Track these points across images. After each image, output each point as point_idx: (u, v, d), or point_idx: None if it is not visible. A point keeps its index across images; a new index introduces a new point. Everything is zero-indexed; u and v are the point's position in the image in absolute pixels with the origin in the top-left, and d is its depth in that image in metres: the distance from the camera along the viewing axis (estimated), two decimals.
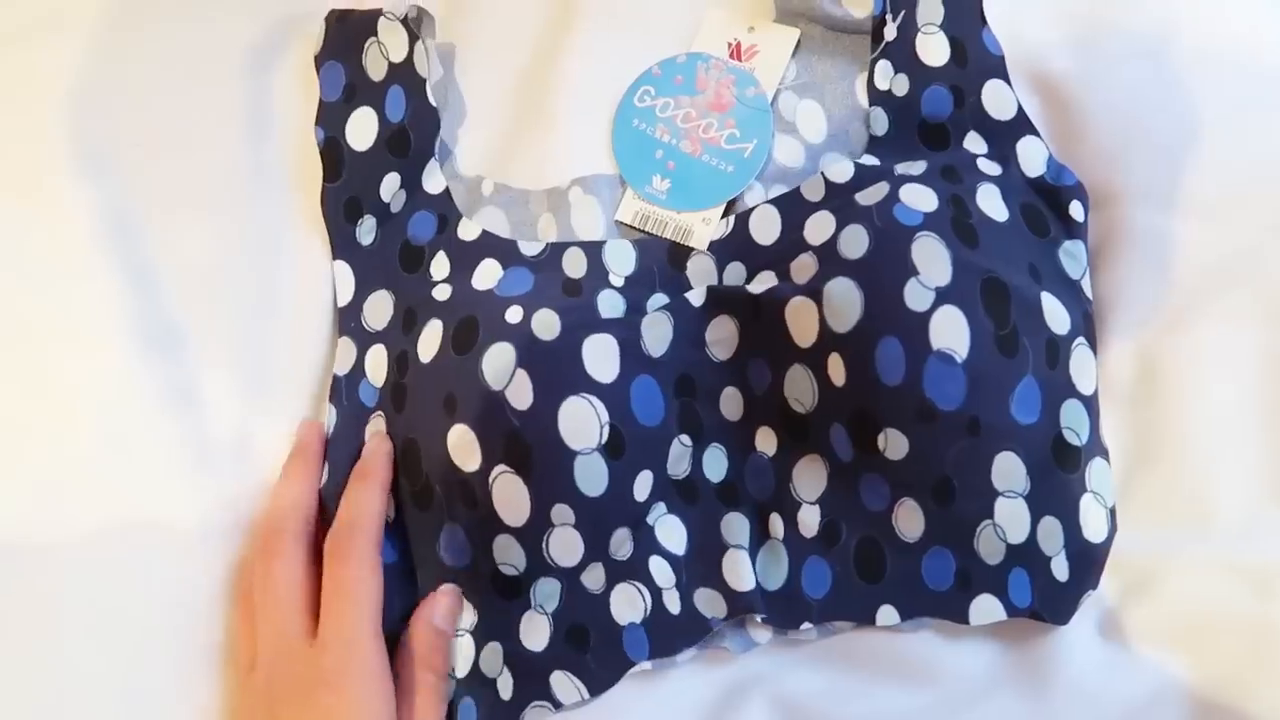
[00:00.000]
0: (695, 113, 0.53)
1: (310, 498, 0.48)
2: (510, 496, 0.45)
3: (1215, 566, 0.45)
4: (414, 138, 0.53)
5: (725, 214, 0.51)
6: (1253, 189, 0.48)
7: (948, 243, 0.44)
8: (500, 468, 0.44)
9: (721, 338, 0.47)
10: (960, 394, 0.42)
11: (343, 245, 0.52)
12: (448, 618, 0.47)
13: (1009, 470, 0.44)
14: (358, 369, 0.51)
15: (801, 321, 0.45)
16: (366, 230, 0.52)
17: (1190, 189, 0.49)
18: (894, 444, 0.44)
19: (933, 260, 0.43)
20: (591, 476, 0.45)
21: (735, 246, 0.50)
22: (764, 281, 0.47)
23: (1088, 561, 0.45)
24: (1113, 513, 0.46)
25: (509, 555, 0.46)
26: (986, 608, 0.45)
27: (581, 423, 0.44)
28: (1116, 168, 0.49)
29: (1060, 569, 0.45)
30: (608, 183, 0.52)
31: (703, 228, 0.51)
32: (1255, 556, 0.45)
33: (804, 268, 0.46)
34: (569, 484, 0.44)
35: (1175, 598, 0.45)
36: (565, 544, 0.45)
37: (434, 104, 0.53)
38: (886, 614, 0.45)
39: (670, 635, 0.46)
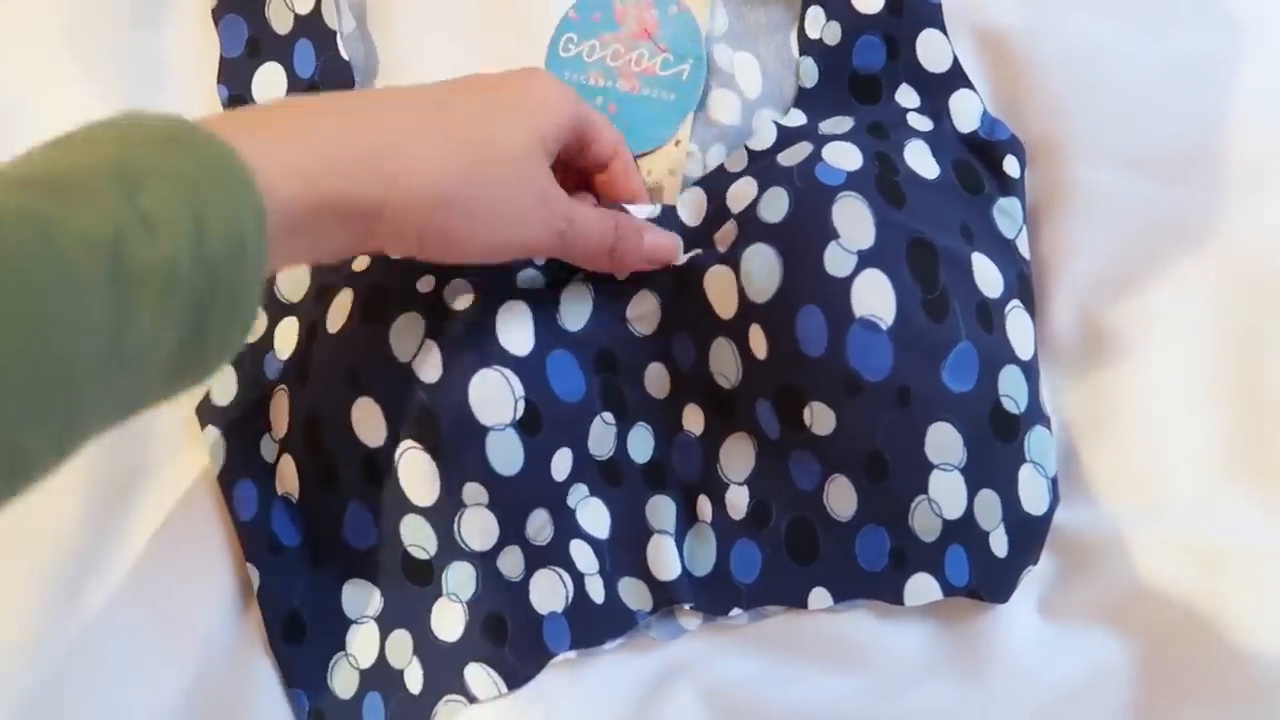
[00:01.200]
0: (623, 48, 0.50)
1: None
2: (419, 474, 0.42)
3: (1162, 543, 0.43)
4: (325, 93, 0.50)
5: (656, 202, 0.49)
6: (1205, 145, 0.46)
7: (871, 202, 0.41)
8: (407, 443, 0.42)
9: (644, 313, 0.45)
10: (887, 363, 0.40)
11: None
12: (658, 248, 0.44)
13: (944, 442, 0.41)
14: (265, 340, 0.48)
15: (721, 292, 0.43)
16: None
17: (1140, 145, 0.46)
18: (821, 418, 0.41)
19: (855, 221, 0.41)
20: (505, 454, 0.42)
21: (664, 225, 0.47)
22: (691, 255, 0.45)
23: (1028, 535, 0.43)
24: (1054, 483, 0.44)
25: (418, 537, 0.44)
26: (922, 588, 0.43)
27: (494, 397, 0.42)
28: (1063, 122, 0.47)
29: (999, 544, 0.43)
30: None
31: (671, 181, 0.49)
32: (1204, 534, 0.43)
33: (725, 236, 0.44)
34: (481, 462, 0.42)
35: (1119, 575, 0.43)
36: (478, 525, 0.43)
37: (346, 58, 0.50)
38: (819, 597, 0.44)
39: (593, 626, 0.44)
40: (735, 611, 0.44)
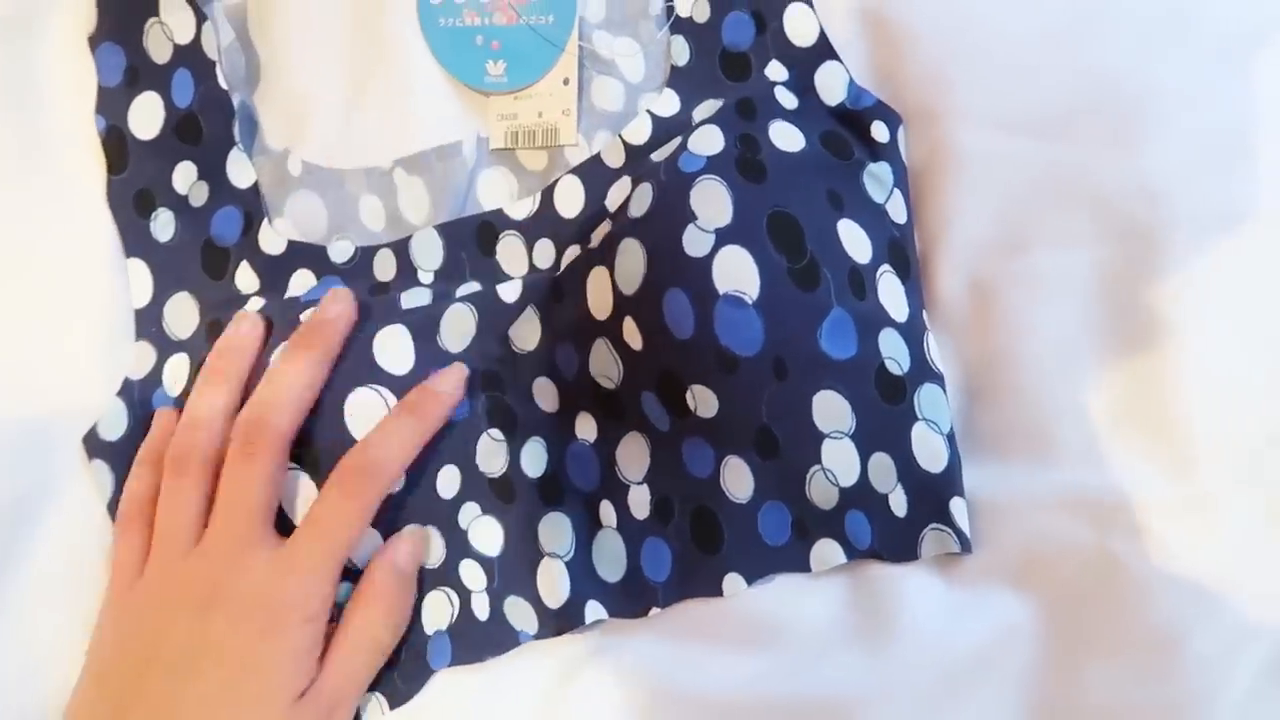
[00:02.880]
0: None
1: (231, 410, 0.44)
2: (301, 497, 0.43)
3: (1054, 501, 0.43)
4: (205, 125, 0.49)
5: (532, 193, 0.49)
6: (1083, 104, 0.45)
7: (730, 183, 0.41)
8: (289, 467, 0.42)
9: (524, 331, 0.45)
10: (758, 337, 0.40)
11: (136, 241, 0.49)
12: (411, 561, 0.43)
13: (831, 409, 0.42)
14: (154, 376, 0.48)
15: (598, 290, 0.43)
16: (163, 225, 0.49)
17: (1018, 106, 0.46)
18: (703, 401, 0.42)
19: (711, 202, 0.41)
20: None
21: (543, 223, 0.47)
22: (570, 257, 0.45)
23: (928, 494, 0.43)
24: (951, 438, 0.44)
25: None
26: (826, 553, 0.43)
27: (370, 414, 0.42)
28: (942, 87, 0.46)
29: (899, 505, 0.43)
30: (434, 156, 0.49)
31: (565, 121, 0.49)
32: (1095, 489, 0.43)
33: (600, 234, 0.44)
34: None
35: (1015, 536, 0.43)
36: (365, 545, 0.43)
37: (225, 87, 0.50)
38: (733, 582, 0.43)
39: (475, 643, 0.44)
40: (654, 611, 0.44)
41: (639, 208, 0.42)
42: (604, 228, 0.44)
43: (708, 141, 0.43)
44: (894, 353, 0.43)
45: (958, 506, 0.43)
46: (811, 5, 0.47)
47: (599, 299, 0.43)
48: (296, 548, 0.41)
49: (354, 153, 0.50)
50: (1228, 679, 0.40)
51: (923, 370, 0.44)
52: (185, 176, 0.49)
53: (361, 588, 0.43)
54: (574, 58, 0.50)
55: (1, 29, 0.51)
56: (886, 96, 0.47)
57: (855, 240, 0.43)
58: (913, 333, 0.44)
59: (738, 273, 0.40)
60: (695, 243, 0.41)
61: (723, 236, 0.41)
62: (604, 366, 0.43)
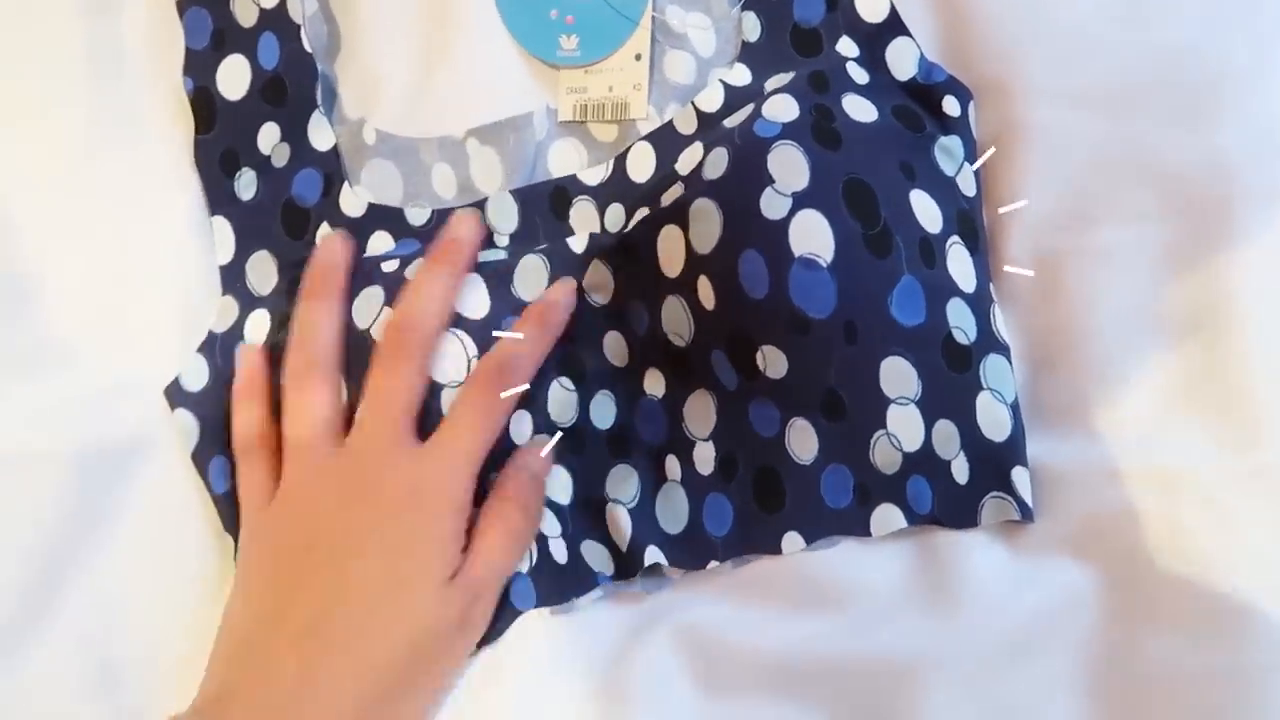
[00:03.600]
0: None
1: (338, 325, 0.45)
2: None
3: (1118, 471, 0.43)
4: (290, 86, 0.51)
5: (606, 160, 0.50)
6: (1153, 80, 0.46)
7: (806, 148, 0.42)
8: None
9: (598, 283, 0.46)
10: (831, 300, 0.41)
11: (220, 200, 0.51)
12: (543, 464, 0.45)
13: (898, 375, 0.42)
14: (235, 330, 0.49)
15: (670, 250, 0.43)
16: (246, 184, 0.51)
17: (1087, 82, 0.46)
18: (773, 362, 0.42)
19: (789, 166, 0.42)
20: None
21: (614, 188, 0.48)
22: (639, 219, 0.46)
23: (990, 462, 0.43)
24: (1015, 408, 0.44)
25: None
26: (887, 518, 0.44)
27: (447, 357, 0.44)
28: (1011, 62, 0.47)
29: (960, 472, 0.43)
30: (506, 126, 0.50)
31: (636, 96, 0.50)
32: (1158, 461, 0.43)
33: (672, 195, 0.44)
34: (437, 418, 0.44)
35: (1079, 505, 0.43)
36: None
37: (309, 50, 0.51)
38: (791, 541, 0.44)
39: (557, 585, 0.45)
40: (712, 564, 0.45)
41: (714, 170, 0.43)
42: (676, 189, 0.45)
43: (783, 109, 0.44)
44: (961, 322, 0.43)
45: (1019, 475, 0.43)
46: None
47: (671, 257, 0.43)
48: (443, 442, 0.43)
49: (426, 123, 0.51)
50: None
51: (989, 341, 0.44)
52: (269, 137, 0.51)
53: (498, 488, 0.44)
54: (647, 32, 0.51)
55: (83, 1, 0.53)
56: (956, 71, 0.47)
57: (926, 210, 0.43)
58: (980, 304, 0.44)
59: (813, 236, 0.41)
60: (773, 205, 0.41)
61: (799, 200, 0.41)
62: (675, 323, 0.44)
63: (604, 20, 0.51)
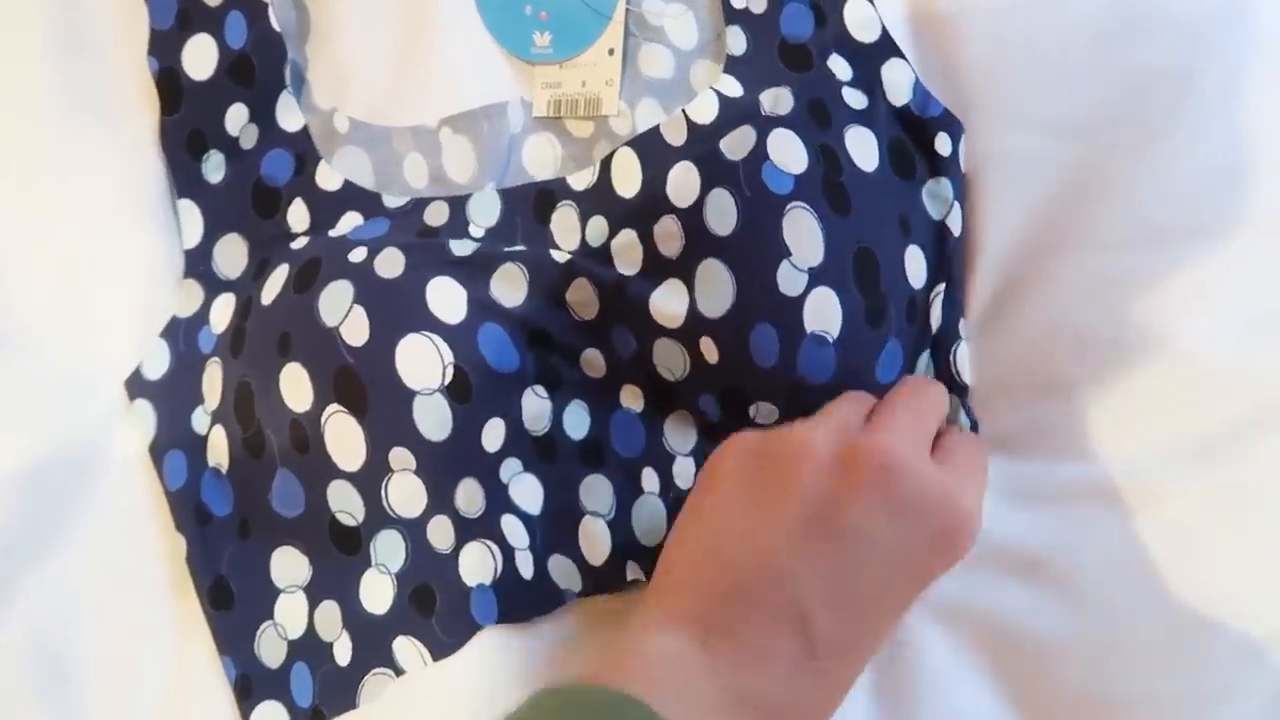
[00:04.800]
0: None
1: None
2: (344, 437, 0.43)
3: (1081, 491, 0.44)
4: (258, 66, 0.50)
5: (576, 159, 0.49)
6: (1121, 106, 0.45)
7: (819, 215, 0.42)
8: (333, 407, 0.43)
9: (582, 300, 0.45)
10: (830, 369, 0.42)
11: (187, 182, 0.50)
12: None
13: None
14: (201, 315, 0.48)
15: (669, 307, 0.43)
16: (214, 166, 0.50)
17: (1061, 107, 0.45)
18: (765, 412, 0.43)
19: (805, 238, 0.41)
20: (433, 419, 0.42)
21: (598, 198, 0.47)
22: (624, 243, 0.44)
23: None
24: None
25: (345, 503, 0.44)
26: None
27: (422, 361, 0.42)
28: (989, 85, 0.46)
29: None
30: (480, 115, 0.49)
31: (609, 91, 0.49)
32: (1121, 480, 0.43)
33: (669, 237, 0.43)
34: (408, 426, 0.42)
35: (1040, 524, 0.44)
36: (406, 491, 0.44)
37: (277, 29, 0.50)
38: None
39: (521, 601, 0.44)
40: None
41: (721, 223, 0.42)
42: (672, 228, 0.43)
43: (790, 154, 0.43)
44: (924, 370, 0.45)
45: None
46: (872, 2, 0.47)
47: (670, 314, 0.43)
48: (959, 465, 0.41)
49: (399, 115, 0.50)
50: (1255, 676, 0.40)
51: (946, 384, 0.45)
52: (237, 118, 0.50)
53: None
54: (620, 26, 0.50)
55: None
56: (934, 91, 0.46)
57: (916, 268, 0.44)
58: (943, 346, 0.45)
59: (825, 314, 0.41)
60: (790, 281, 0.41)
61: (815, 277, 0.41)
62: (669, 361, 0.44)
63: (577, 16, 0.50)
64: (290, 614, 0.46)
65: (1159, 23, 0.45)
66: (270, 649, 0.46)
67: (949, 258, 0.45)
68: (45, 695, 0.45)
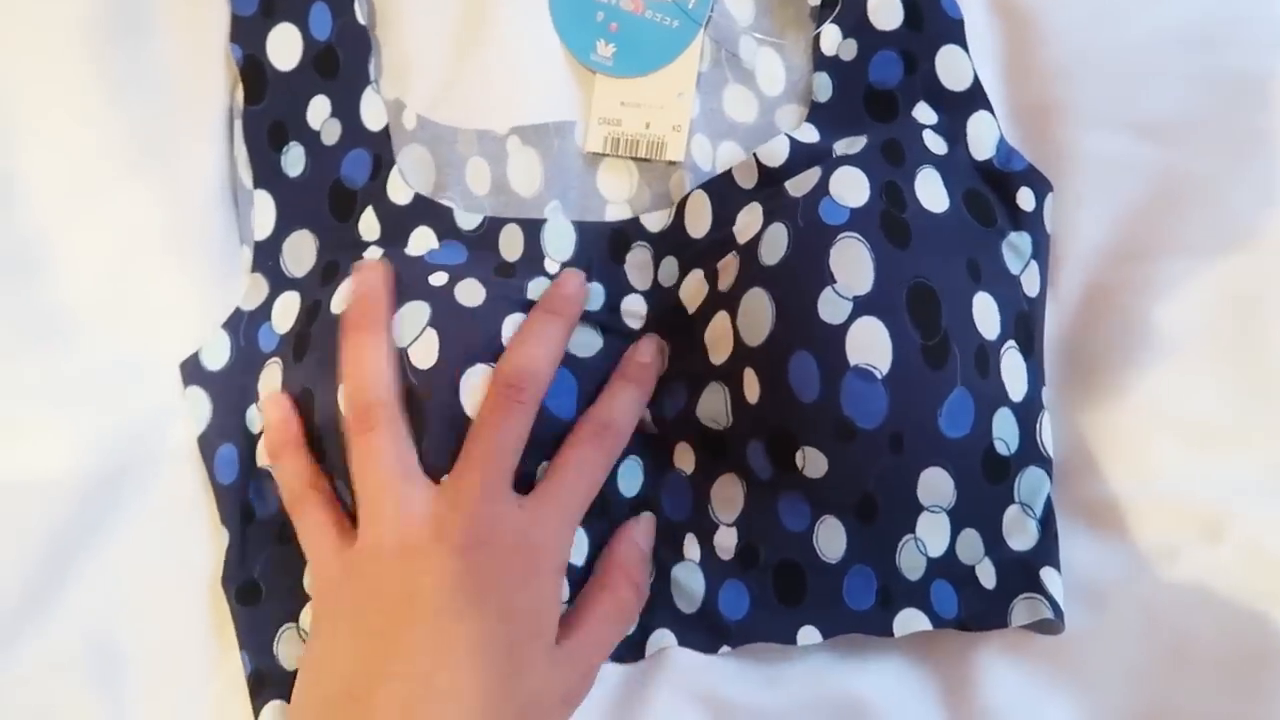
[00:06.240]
0: None
1: (391, 363, 0.42)
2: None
3: (1156, 511, 0.44)
4: (343, 59, 0.48)
5: (651, 187, 0.49)
6: (1211, 110, 0.45)
7: (872, 244, 0.41)
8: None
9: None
10: (882, 411, 0.40)
11: (266, 174, 0.48)
12: (647, 539, 0.45)
13: (936, 486, 0.42)
14: (264, 310, 0.48)
15: (718, 337, 0.42)
16: (293, 160, 0.48)
17: (1147, 108, 0.46)
18: (813, 461, 0.41)
19: (853, 266, 0.40)
20: None
21: (671, 239, 0.47)
22: (692, 284, 0.45)
23: (1016, 567, 0.43)
24: (1043, 522, 0.44)
25: None
26: (909, 620, 0.43)
27: (484, 392, 0.42)
28: (1071, 84, 0.46)
29: (986, 577, 0.43)
30: (552, 131, 0.49)
31: (675, 137, 0.48)
32: (1201, 503, 0.43)
33: (728, 268, 0.43)
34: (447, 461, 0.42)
35: (1121, 543, 0.44)
36: None
37: (363, 22, 0.49)
38: (807, 634, 0.44)
39: None
40: (724, 649, 0.44)
41: (771, 253, 0.42)
42: (731, 261, 0.43)
43: (852, 189, 0.42)
44: (1004, 433, 0.42)
45: (1049, 575, 0.43)
46: (966, 50, 0.46)
47: (719, 343, 0.42)
48: (548, 498, 0.42)
49: (456, 109, 0.49)
50: None
51: (1030, 452, 0.44)
52: (319, 112, 0.48)
53: (606, 561, 0.44)
54: (693, 71, 0.49)
55: None
56: (1014, 89, 0.46)
57: (987, 315, 0.42)
58: (1028, 412, 0.43)
59: (872, 346, 0.40)
60: (831, 309, 0.40)
61: (860, 306, 0.40)
62: (713, 410, 0.43)
63: (647, 40, 0.49)
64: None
65: (1249, 25, 0.45)
66: (289, 650, 0.46)
67: (1025, 318, 0.44)
68: (96, 691, 0.45)
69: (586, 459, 0.43)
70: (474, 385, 0.42)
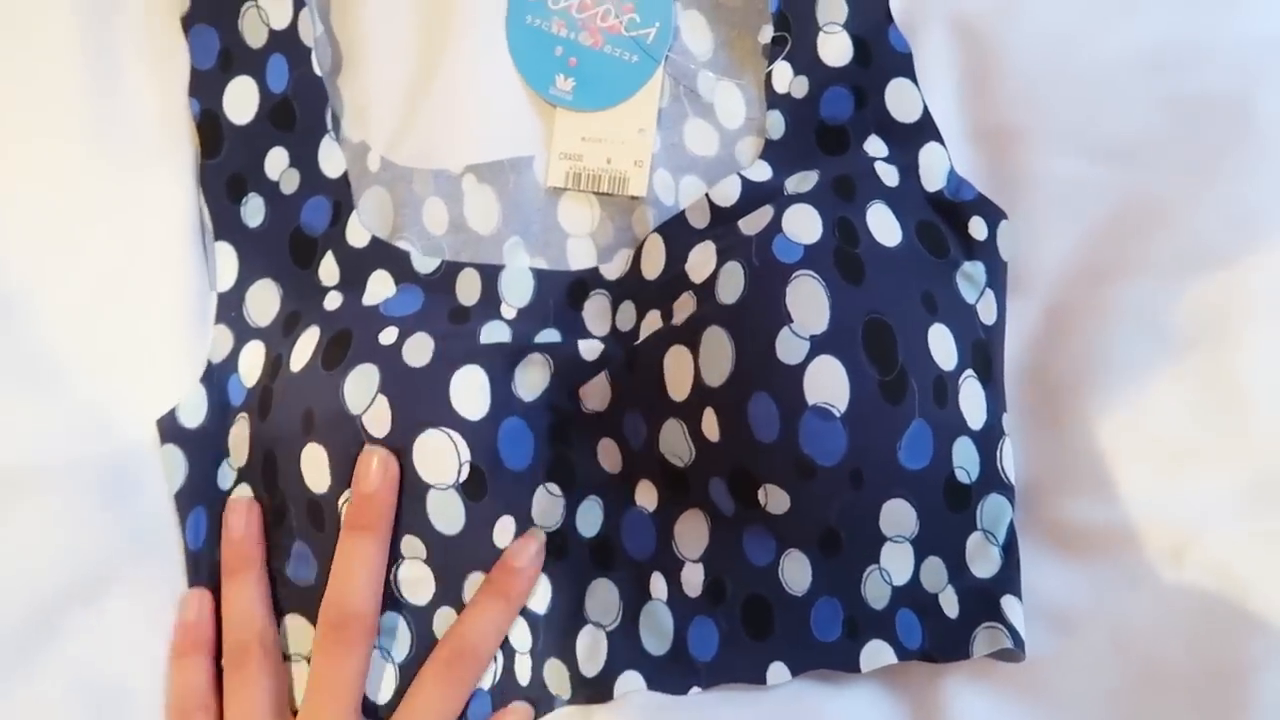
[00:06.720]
0: (590, 0, 0.50)
1: (267, 594, 0.45)
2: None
3: (1125, 534, 0.44)
4: (299, 110, 0.49)
5: (614, 221, 0.49)
6: (1171, 133, 0.45)
7: (828, 282, 0.41)
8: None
9: (594, 392, 0.45)
10: (841, 449, 0.40)
11: (226, 226, 0.49)
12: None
13: (898, 517, 0.42)
14: (229, 362, 0.48)
15: (677, 373, 0.43)
16: (253, 210, 0.49)
17: (1108, 132, 0.46)
18: (775, 499, 0.42)
19: (808, 304, 0.40)
20: (447, 514, 0.43)
21: (628, 285, 0.47)
22: (649, 326, 0.45)
23: (979, 595, 0.44)
24: (1006, 549, 0.44)
25: None
26: (876, 653, 0.44)
27: (439, 457, 0.42)
28: (1033, 108, 0.46)
29: (949, 605, 0.44)
30: (508, 167, 0.49)
31: (637, 172, 0.48)
32: (1169, 523, 0.44)
33: (683, 308, 0.43)
34: (421, 518, 0.43)
35: (1085, 563, 0.45)
36: (415, 579, 0.44)
37: (319, 74, 0.49)
38: (777, 672, 0.44)
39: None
40: (694, 690, 0.44)
41: (729, 292, 0.42)
42: (687, 301, 0.43)
43: (804, 226, 0.42)
44: (965, 461, 0.43)
45: (1010, 604, 0.43)
46: (915, 82, 0.47)
47: (678, 380, 0.43)
48: None
49: (419, 147, 0.50)
50: None
51: (991, 479, 0.44)
52: (277, 163, 0.49)
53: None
54: (654, 107, 0.49)
55: (90, 6, 0.49)
56: (975, 114, 0.46)
57: (943, 346, 0.42)
58: (988, 440, 0.44)
59: (829, 385, 0.40)
60: (789, 349, 0.40)
61: (818, 345, 0.40)
62: (675, 446, 0.43)
63: (606, 75, 0.49)
64: (297, 681, 0.46)
65: (1211, 50, 0.45)
66: None
67: (982, 346, 0.44)
68: None
69: (440, 686, 0.44)
70: (426, 452, 0.42)
